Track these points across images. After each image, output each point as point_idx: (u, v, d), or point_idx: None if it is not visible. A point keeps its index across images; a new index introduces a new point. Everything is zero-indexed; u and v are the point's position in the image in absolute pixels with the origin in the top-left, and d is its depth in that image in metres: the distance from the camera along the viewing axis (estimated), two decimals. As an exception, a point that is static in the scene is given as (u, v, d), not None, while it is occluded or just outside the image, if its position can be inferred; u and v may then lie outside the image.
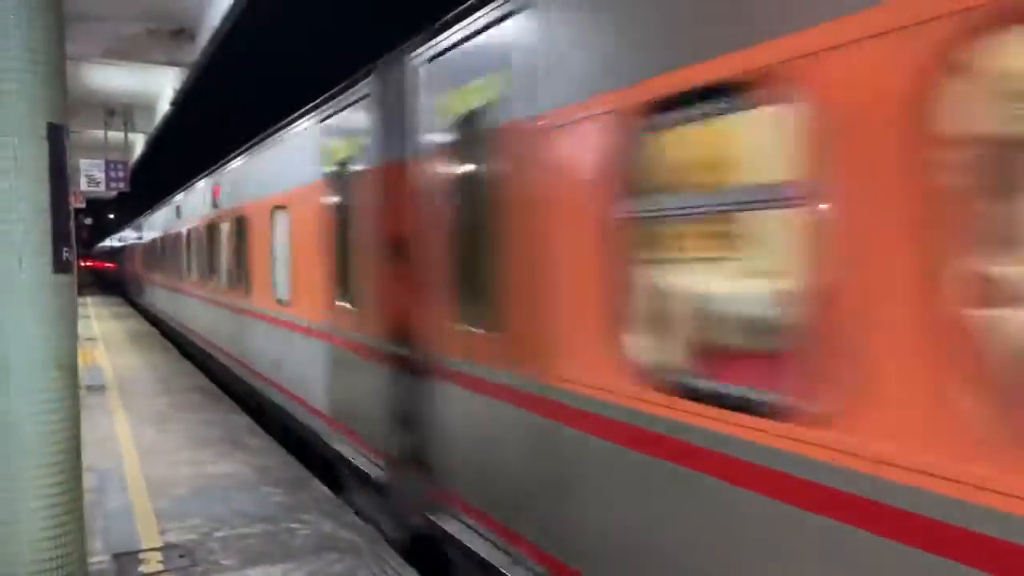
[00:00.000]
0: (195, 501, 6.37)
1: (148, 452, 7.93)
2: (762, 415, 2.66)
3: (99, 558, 5.15)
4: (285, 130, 8.68)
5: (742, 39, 2.71)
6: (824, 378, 2.43)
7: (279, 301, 8.73)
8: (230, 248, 11.59)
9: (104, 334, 20.05)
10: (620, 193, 3.34)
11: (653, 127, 3.17)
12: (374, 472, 5.94)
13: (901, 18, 2.16)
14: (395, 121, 5.60)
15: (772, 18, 2.60)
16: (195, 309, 15.21)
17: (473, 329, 4.63)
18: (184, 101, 15.73)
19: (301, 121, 8.03)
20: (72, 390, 3.70)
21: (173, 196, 19.07)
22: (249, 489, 6.69)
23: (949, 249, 2.10)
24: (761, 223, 3.48)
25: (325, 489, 6.71)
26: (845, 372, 2.36)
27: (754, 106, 2.72)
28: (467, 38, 4.66)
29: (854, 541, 2.32)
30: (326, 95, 7.17)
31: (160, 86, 15.92)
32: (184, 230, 16.62)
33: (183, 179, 17.80)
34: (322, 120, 7.27)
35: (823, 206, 2.43)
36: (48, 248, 3.55)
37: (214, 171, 13.22)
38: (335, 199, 6.92)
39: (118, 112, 18.38)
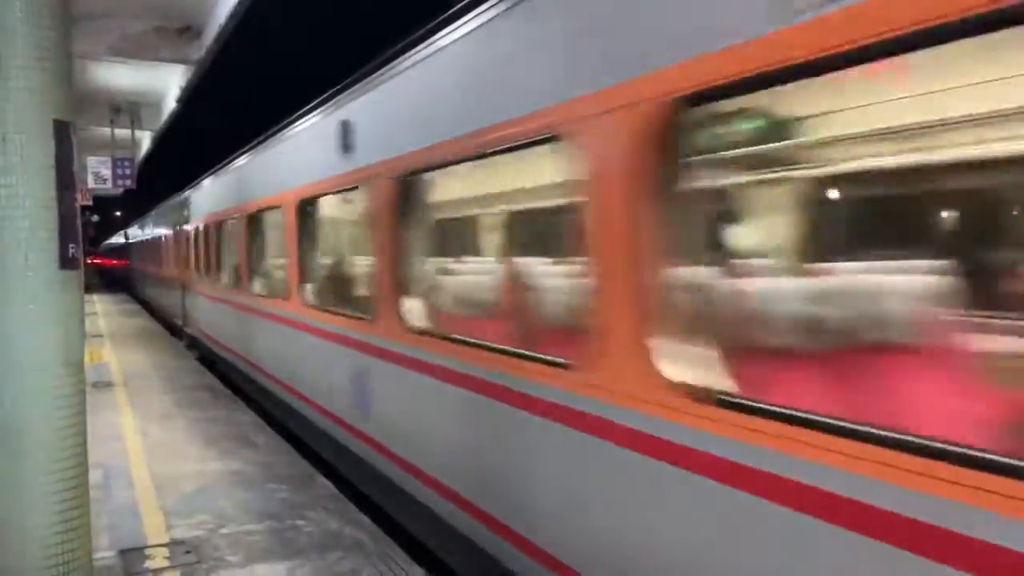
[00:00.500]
0: (201, 498, 6.39)
1: (154, 449, 7.96)
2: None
3: (105, 554, 5.17)
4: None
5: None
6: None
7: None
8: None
9: (111, 331, 20.12)
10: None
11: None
12: None
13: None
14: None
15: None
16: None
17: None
18: (190, 98, 15.76)
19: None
20: (79, 387, 3.70)
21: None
22: (255, 486, 6.71)
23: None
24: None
25: (331, 486, 6.72)
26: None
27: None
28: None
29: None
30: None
31: (167, 84, 15.96)
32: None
33: (190, 177, 17.82)
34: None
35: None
36: (55, 245, 3.55)
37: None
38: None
39: (125, 109, 18.42)
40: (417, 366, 5.36)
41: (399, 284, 5.64)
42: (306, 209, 8.06)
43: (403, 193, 5.59)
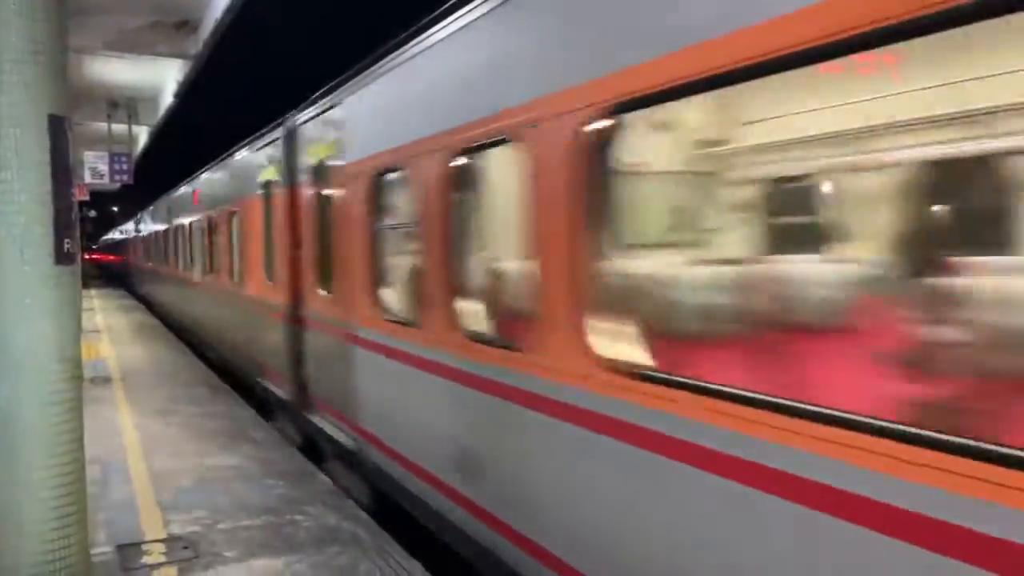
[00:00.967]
0: (198, 493, 6.39)
1: (152, 444, 7.95)
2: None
3: (102, 549, 5.16)
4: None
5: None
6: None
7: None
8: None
9: (108, 326, 20.09)
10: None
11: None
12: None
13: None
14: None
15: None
16: None
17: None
18: (187, 93, 15.71)
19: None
20: (75, 382, 3.70)
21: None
22: (253, 481, 6.71)
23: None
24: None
25: (329, 482, 6.73)
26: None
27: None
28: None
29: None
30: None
31: (163, 78, 15.88)
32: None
33: (186, 172, 17.75)
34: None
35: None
36: (50, 240, 3.54)
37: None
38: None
39: (121, 104, 18.31)
40: None
41: None
42: None
43: None
